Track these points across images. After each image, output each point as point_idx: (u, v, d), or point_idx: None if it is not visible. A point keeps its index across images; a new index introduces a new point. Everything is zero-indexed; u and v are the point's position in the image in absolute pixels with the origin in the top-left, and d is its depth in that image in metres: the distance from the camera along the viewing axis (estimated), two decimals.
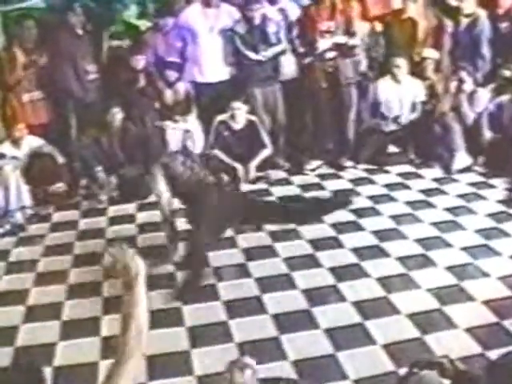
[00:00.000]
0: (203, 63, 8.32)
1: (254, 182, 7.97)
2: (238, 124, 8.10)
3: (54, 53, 7.95)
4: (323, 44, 8.13)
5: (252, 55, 8.20)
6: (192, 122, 8.34)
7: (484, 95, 8.31)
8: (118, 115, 7.76)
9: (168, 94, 8.31)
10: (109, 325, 5.05)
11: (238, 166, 7.98)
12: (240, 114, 8.04)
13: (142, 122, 8.12)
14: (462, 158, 8.00)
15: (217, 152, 8.07)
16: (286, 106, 8.46)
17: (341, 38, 8.16)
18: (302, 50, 8.27)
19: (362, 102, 8.56)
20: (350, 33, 8.25)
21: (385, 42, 8.72)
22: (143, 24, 8.52)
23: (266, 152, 8.11)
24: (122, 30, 8.49)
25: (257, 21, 8.19)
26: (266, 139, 8.13)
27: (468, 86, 8.31)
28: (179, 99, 8.31)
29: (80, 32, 8.05)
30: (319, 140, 8.54)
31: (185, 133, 8.19)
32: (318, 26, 8.15)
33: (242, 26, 8.23)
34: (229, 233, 6.31)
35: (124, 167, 7.79)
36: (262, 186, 7.96)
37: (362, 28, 8.45)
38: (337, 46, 8.16)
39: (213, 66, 8.31)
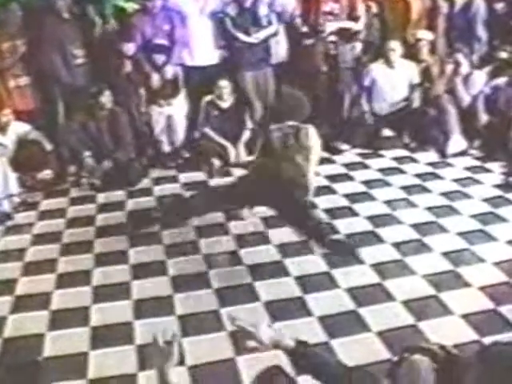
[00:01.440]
0: (193, 46, 8.29)
1: (244, 165, 7.98)
2: (226, 102, 8.14)
3: (39, 37, 7.88)
4: (329, 27, 8.14)
5: (243, 37, 8.18)
6: (177, 106, 8.33)
7: (480, 78, 8.31)
8: (108, 98, 7.72)
9: (155, 78, 8.26)
10: (98, 314, 5.05)
11: (229, 146, 8.02)
12: (227, 93, 8.08)
13: (128, 107, 8.09)
14: (457, 142, 8.01)
15: (207, 131, 8.11)
16: (278, 88, 8.44)
17: (347, 23, 8.19)
18: (304, 29, 8.26)
19: (356, 86, 8.56)
20: (353, 16, 8.26)
21: (380, 24, 8.71)
22: (131, 6, 8.46)
23: (246, 133, 8.16)
24: (109, 13, 8.43)
25: (248, 3, 8.17)
26: (248, 121, 8.19)
27: (464, 68, 8.31)
28: (166, 83, 8.27)
29: (66, 16, 7.99)
30: (314, 123, 8.53)
31: (168, 118, 8.19)
32: (322, 6, 8.15)
33: (232, 8, 8.21)
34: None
35: (113, 153, 7.76)
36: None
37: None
38: (341, 30, 8.18)
39: (203, 49, 8.28)
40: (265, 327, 2.90)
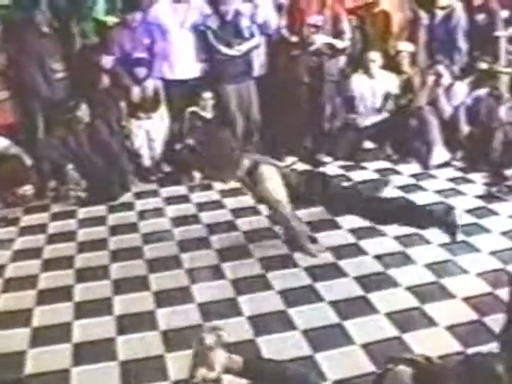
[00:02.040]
0: (173, 60, 8.31)
1: None
2: (209, 113, 8.23)
3: (19, 51, 7.87)
4: (318, 40, 8.18)
5: (225, 50, 8.19)
6: (157, 119, 8.35)
7: (461, 89, 8.37)
8: (86, 112, 7.70)
9: (135, 92, 8.27)
10: (80, 330, 5.03)
11: None
12: (210, 104, 8.20)
13: (108, 120, 8.08)
14: (439, 153, 8.06)
15: (190, 142, 8.10)
16: (260, 101, 8.48)
17: (335, 40, 8.26)
18: (291, 40, 8.30)
19: (336, 98, 8.60)
20: (337, 29, 8.30)
21: (360, 36, 8.77)
22: (111, 20, 8.47)
23: None
24: (90, 27, 8.43)
25: (229, 15, 8.19)
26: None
27: (445, 79, 8.38)
28: (146, 96, 8.28)
29: (46, 30, 7.99)
30: (295, 136, 8.57)
31: (147, 132, 8.20)
32: (306, 18, 8.18)
33: (214, 21, 8.23)
34: None
35: (94, 167, 7.74)
36: (233, 183, 8.01)
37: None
38: (328, 46, 8.22)
39: (183, 63, 8.30)
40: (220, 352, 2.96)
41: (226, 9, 8.17)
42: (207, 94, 8.16)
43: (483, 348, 4.21)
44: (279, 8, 8.58)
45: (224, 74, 8.31)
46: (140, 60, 8.26)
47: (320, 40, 8.19)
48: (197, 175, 8.03)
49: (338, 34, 8.32)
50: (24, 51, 7.89)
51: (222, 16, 8.20)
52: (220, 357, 2.98)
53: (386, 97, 8.47)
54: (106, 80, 8.20)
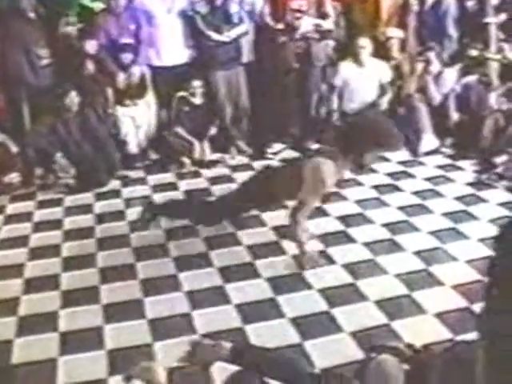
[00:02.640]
0: (161, 46, 8.28)
1: (208, 165, 8.05)
2: (198, 100, 8.24)
3: (4, 38, 7.82)
4: (304, 24, 8.15)
5: (215, 36, 8.16)
6: (144, 106, 8.34)
7: (451, 76, 8.38)
8: (75, 99, 7.68)
9: (121, 78, 8.24)
10: (66, 319, 5.02)
11: (195, 142, 8.14)
12: (199, 92, 8.21)
13: (94, 107, 8.06)
14: (428, 140, 8.08)
15: (177, 127, 8.22)
16: (248, 88, 8.48)
17: (319, 21, 8.20)
18: (278, 26, 8.27)
19: (324, 85, 8.60)
20: (321, 13, 8.28)
21: (347, 23, 8.76)
22: (97, 6, 8.43)
23: (212, 131, 8.37)
24: (76, 13, 8.39)
25: (218, 1, 8.16)
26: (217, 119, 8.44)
27: (434, 66, 8.39)
28: (132, 83, 8.26)
29: (32, 15, 7.94)
30: (283, 123, 8.57)
31: (134, 119, 8.19)
32: (289, 3, 8.15)
33: (203, 6, 8.19)
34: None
35: (82, 154, 7.73)
36: (222, 170, 8.01)
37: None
38: (315, 28, 8.20)
39: (171, 49, 8.27)
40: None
41: None
42: (196, 83, 8.16)
43: (472, 335, 4.24)
44: None
45: (213, 61, 8.26)
46: (126, 46, 8.21)
47: (306, 23, 8.17)
48: (186, 161, 8.06)
49: (321, 17, 8.33)
50: (9, 37, 7.82)
51: (211, 1, 8.16)
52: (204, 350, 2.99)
53: (383, 90, 8.46)
54: (90, 66, 8.14)
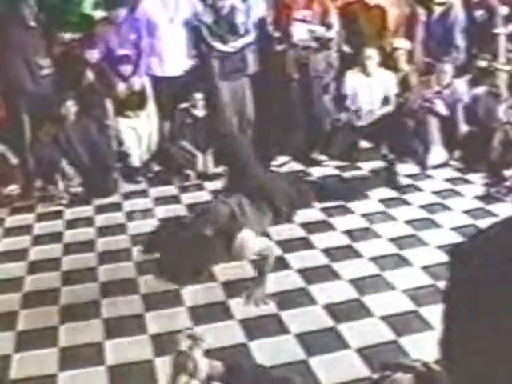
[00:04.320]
0: (163, 56, 8.32)
1: (211, 178, 8.06)
2: (201, 111, 8.25)
3: (4, 46, 7.85)
4: (298, 30, 8.15)
5: (220, 46, 8.19)
6: (145, 117, 8.36)
7: (459, 87, 8.38)
8: (72, 109, 7.71)
9: (121, 89, 8.27)
10: (67, 334, 5.02)
11: (198, 155, 8.14)
12: (202, 104, 8.23)
13: (95, 118, 8.08)
14: (437, 153, 8.07)
15: (181, 142, 8.24)
16: (253, 99, 8.50)
17: (317, 29, 8.20)
18: (276, 35, 8.27)
19: (330, 96, 8.61)
20: (325, 24, 8.29)
21: (352, 33, 8.75)
22: (99, 15, 8.46)
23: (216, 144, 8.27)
24: (76, 22, 8.42)
25: (225, 11, 8.18)
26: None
27: (443, 77, 8.38)
28: (132, 93, 8.27)
29: (33, 24, 7.97)
30: (288, 134, 8.58)
31: (135, 130, 8.21)
32: (294, 14, 8.17)
33: (209, 16, 8.21)
34: None
35: (84, 164, 7.76)
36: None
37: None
38: (313, 38, 8.19)
39: (174, 59, 8.31)
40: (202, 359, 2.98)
41: (221, 4, 8.15)
42: (198, 94, 8.18)
43: None
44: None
45: (217, 71, 8.30)
46: (124, 57, 8.23)
47: (300, 29, 8.15)
48: (191, 174, 8.08)
49: (326, 27, 8.32)
50: (9, 46, 7.86)
51: (216, 11, 8.18)
52: (201, 363, 2.99)
53: (386, 101, 8.49)
54: (90, 75, 8.16)
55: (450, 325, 1.29)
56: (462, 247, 1.29)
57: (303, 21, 8.14)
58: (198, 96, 8.17)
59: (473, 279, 1.14)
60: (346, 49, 8.76)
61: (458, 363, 1.18)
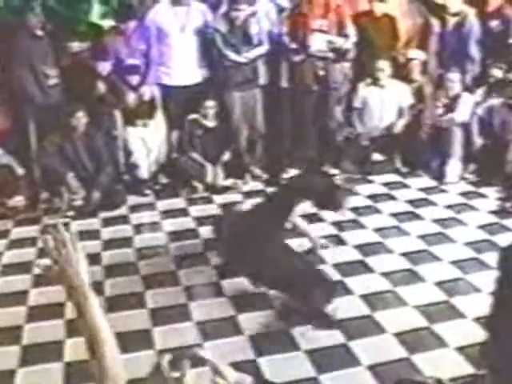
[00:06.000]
0: (173, 65, 8.33)
1: (220, 191, 8.09)
2: (211, 122, 8.25)
3: (11, 55, 7.89)
4: (316, 41, 8.17)
5: (233, 56, 8.21)
6: (154, 127, 8.38)
7: (473, 99, 8.36)
8: (82, 120, 7.74)
9: (131, 99, 8.29)
10: (72, 349, 5.03)
11: (208, 166, 8.16)
12: (212, 113, 8.23)
13: (103, 128, 8.12)
14: (455, 167, 8.03)
15: (189, 151, 8.25)
16: (264, 111, 8.52)
17: (336, 39, 8.22)
18: (293, 46, 8.26)
19: (343, 108, 8.62)
20: (342, 34, 8.28)
21: (363, 44, 8.72)
22: (107, 24, 8.49)
23: (227, 155, 8.38)
24: (84, 31, 8.45)
25: (239, 20, 8.20)
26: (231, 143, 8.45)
27: (457, 89, 8.36)
28: (142, 103, 8.30)
29: (40, 33, 8.01)
30: (300, 147, 8.58)
31: (144, 140, 8.22)
32: (310, 23, 8.18)
33: (223, 25, 8.22)
34: None
35: (92, 175, 7.80)
36: (234, 196, 8.02)
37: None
38: (331, 49, 8.19)
39: (184, 68, 8.32)
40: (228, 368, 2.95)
41: (236, 14, 8.17)
42: (210, 102, 8.18)
43: None
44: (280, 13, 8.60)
45: (229, 81, 8.30)
46: (132, 67, 8.25)
47: (318, 39, 8.17)
48: (199, 186, 8.09)
49: (342, 37, 8.31)
50: (16, 55, 7.90)
51: (231, 21, 8.19)
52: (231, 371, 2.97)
53: (401, 111, 8.48)
54: (101, 87, 8.20)
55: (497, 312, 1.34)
56: None
57: (320, 31, 8.14)
58: (209, 104, 8.17)
59: None
60: (359, 59, 8.75)
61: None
